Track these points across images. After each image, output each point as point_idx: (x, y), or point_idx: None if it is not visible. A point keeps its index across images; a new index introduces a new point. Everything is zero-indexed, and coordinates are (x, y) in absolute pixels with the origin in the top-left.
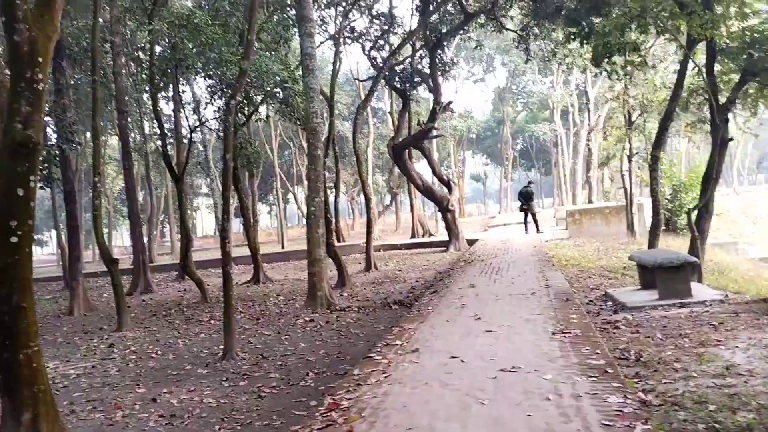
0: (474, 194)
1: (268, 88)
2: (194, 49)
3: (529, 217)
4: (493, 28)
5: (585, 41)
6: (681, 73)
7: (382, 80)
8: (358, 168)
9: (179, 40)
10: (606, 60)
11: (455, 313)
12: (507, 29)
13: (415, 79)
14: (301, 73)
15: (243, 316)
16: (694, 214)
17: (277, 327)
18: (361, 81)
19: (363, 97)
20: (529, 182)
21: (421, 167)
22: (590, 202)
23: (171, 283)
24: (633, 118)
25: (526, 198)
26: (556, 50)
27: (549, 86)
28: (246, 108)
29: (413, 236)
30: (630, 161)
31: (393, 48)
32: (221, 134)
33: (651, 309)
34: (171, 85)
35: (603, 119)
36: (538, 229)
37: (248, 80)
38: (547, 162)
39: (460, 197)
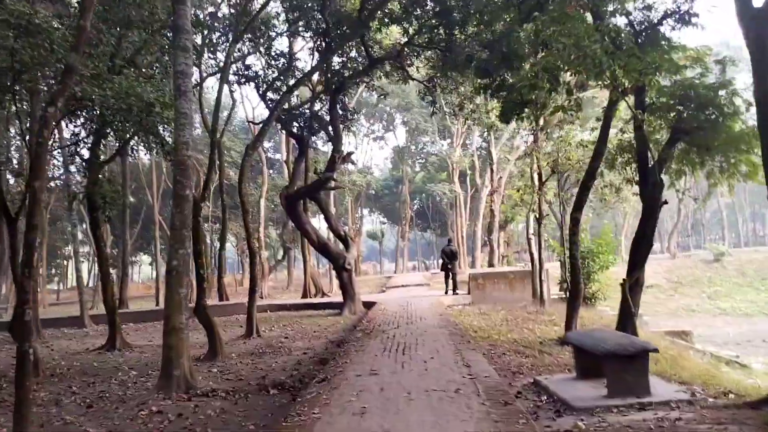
0: (370, 252)
1: (133, 112)
2: (36, 58)
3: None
4: (398, 78)
5: (495, 94)
6: (605, 128)
7: (278, 124)
8: (243, 217)
9: (19, 46)
10: (516, 116)
11: (353, 426)
12: (413, 79)
13: (314, 126)
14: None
15: (73, 399)
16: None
17: (110, 421)
18: (255, 124)
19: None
20: (449, 240)
21: (317, 222)
22: (491, 265)
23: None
24: (544, 178)
25: (450, 257)
26: (463, 104)
27: (448, 147)
28: (102, 138)
29: (305, 295)
30: (540, 223)
31: (288, 86)
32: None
33: (604, 412)
34: (9, 102)
35: (504, 180)
36: (455, 290)
37: (105, 102)
38: (443, 223)
39: (357, 255)
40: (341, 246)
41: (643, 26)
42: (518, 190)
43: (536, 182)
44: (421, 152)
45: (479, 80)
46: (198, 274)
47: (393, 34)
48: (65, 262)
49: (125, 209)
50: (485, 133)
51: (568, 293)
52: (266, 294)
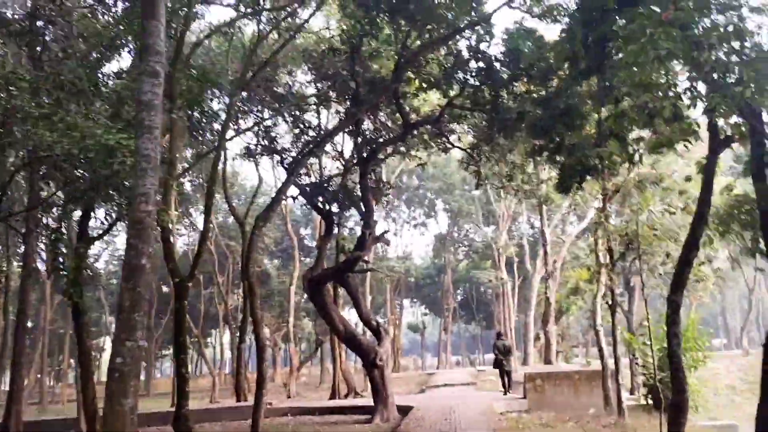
0: (411, 346)
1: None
2: None
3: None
4: (437, 147)
5: (552, 158)
6: (707, 184)
7: (303, 198)
8: (249, 300)
9: None
10: (576, 184)
11: None
12: (454, 146)
13: (343, 200)
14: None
15: None
16: None
17: None
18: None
19: (289, 226)
20: (499, 333)
21: (348, 314)
22: (548, 362)
23: None
24: (615, 255)
25: (503, 352)
26: (512, 173)
27: (493, 232)
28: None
29: (333, 396)
30: (613, 312)
31: (306, 148)
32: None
33: None
34: None
35: (560, 264)
36: (508, 390)
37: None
38: (489, 314)
39: (396, 349)
40: (373, 339)
41: None
42: (588, 269)
43: (606, 260)
44: (464, 239)
45: (533, 141)
46: (179, 374)
47: (431, 101)
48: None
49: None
50: (538, 210)
51: (650, 399)
52: (294, 393)
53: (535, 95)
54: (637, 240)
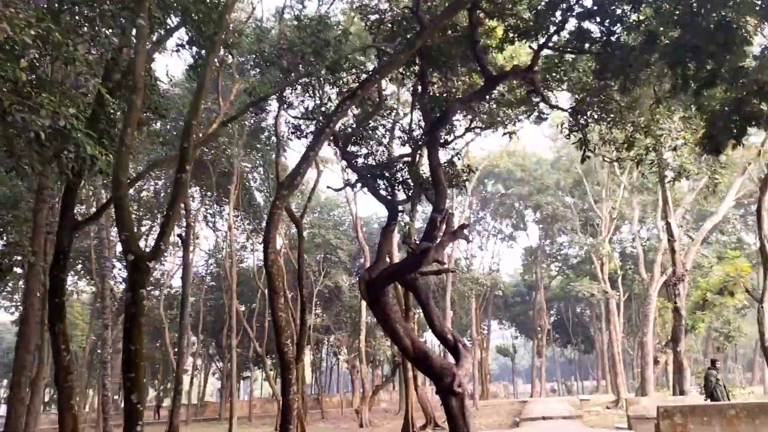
0: (501, 371)
1: None
2: None
3: None
4: (528, 111)
5: (707, 87)
6: None
7: (360, 184)
8: (270, 304)
9: None
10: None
11: None
12: (552, 106)
13: (410, 184)
14: None
15: None
16: None
17: None
18: (335, 189)
19: (360, 234)
20: (714, 361)
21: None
22: (681, 392)
23: None
24: None
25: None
26: (632, 138)
27: (593, 240)
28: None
29: (406, 428)
30: None
31: (351, 91)
32: None
33: None
34: None
35: (690, 264)
36: None
37: None
38: (587, 337)
39: (484, 374)
40: (450, 358)
41: None
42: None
43: None
44: (557, 253)
45: (671, 75)
46: (128, 401)
47: (521, 56)
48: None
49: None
50: (661, 193)
51: None
52: (367, 421)
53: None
54: None
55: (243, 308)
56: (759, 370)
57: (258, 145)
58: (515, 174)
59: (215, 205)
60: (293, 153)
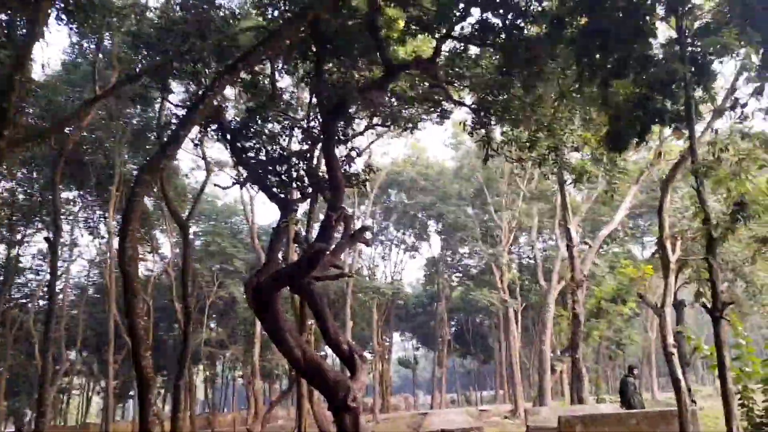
0: (402, 383)
1: None
2: None
3: None
4: (431, 108)
5: (615, 77)
6: None
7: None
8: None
9: None
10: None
11: None
12: (456, 102)
13: (303, 180)
14: None
15: None
16: None
17: None
18: (222, 188)
19: (256, 242)
20: (631, 368)
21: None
22: (579, 400)
23: None
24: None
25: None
26: (535, 137)
27: (493, 250)
28: None
29: None
30: (717, 319)
31: (221, 78)
32: None
33: None
34: None
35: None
36: None
37: None
38: (486, 347)
39: (385, 386)
40: (344, 372)
41: None
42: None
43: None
44: (458, 264)
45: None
46: None
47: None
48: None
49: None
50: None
51: None
52: None
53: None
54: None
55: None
56: (646, 378)
57: (147, 146)
58: (418, 183)
59: (98, 210)
60: (186, 155)
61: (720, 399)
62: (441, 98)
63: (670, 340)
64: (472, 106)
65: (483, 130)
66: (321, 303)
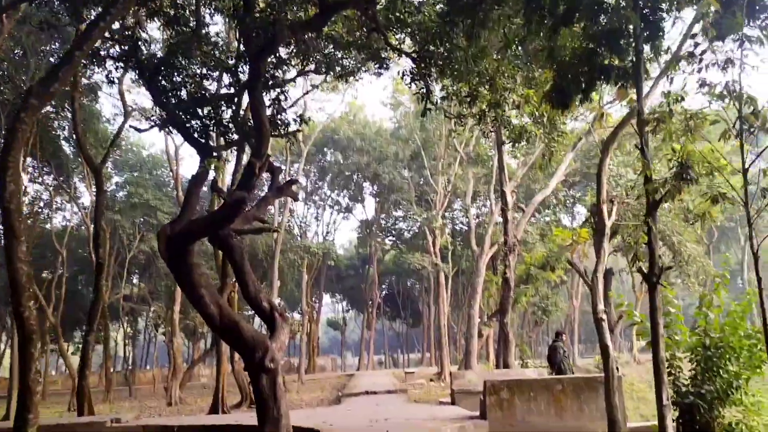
0: (331, 344)
1: None
2: None
3: None
4: (369, 55)
5: (563, 25)
6: None
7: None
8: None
9: None
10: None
11: None
12: (394, 48)
13: (226, 125)
14: None
15: None
16: None
17: None
18: (139, 131)
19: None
20: (559, 333)
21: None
22: (506, 366)
23: None
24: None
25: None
26: (476, 91)
27: (427, 214)
28: None
29: (215, 408)
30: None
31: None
32: None
33: None
34: None
35: (520, 235)
36: None
37: None
38: (415, 311)
39: (312, 347)
40: (263, 330)
41: None
42: (581, 228)
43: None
44: (392, 227)
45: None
46: None
47: None
48: None
49: None
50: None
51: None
52: (177, 399)
53: None
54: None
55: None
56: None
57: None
58: (355, 142)
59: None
60: (109, 100)
61: (636, 366)
62: (380, 46)
63: (601, 306)
64: (413, 55)
65: (422, 82)
66: (241, 258)
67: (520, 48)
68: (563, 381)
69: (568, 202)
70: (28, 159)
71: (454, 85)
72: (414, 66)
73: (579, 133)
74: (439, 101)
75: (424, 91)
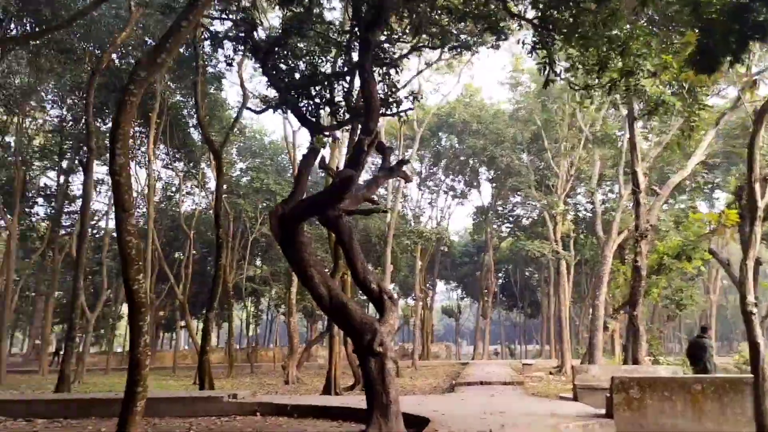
0: (445, 331)
1: None
2: None
3: None
4: (488, 25)
5: None
6: None
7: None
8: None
9: None
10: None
11: None
12: (515, 16)
13: (336, 103)
14: None
15: None
16: None
17: None
18: (255, 111)
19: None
20: (705, 328)
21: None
22: (635, 362)
23: None
24: None
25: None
26: (606, 58)
27: (547, 200)
28: None
29: (327, 389)
30: None
31: None
32: None
33: None
34: None
35: (653, 220)
36: None
37: None
38: (533, 302)
39: (426, 333)
40: (371, 312)
41: None
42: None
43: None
44: (509, 214)
45: None
46: None
47: None
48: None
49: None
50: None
51: None
52: (294, 378)
53: None
54: None
55: (179, 255)
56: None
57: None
58: (471, 125)
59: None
60: (234, 89)
61: None
62: (499, 15)
63: (751, 298)
64: (535, 21)
65: (545, 51)
66: (350, 238)
67: (656, 8)
68: (703, 381)
69: (706, 187)
70: (161, 146)
71: (582, 54)
72: (536, 35)
73: (722, 108)
74: (563, 72)
75: (547, 60)
